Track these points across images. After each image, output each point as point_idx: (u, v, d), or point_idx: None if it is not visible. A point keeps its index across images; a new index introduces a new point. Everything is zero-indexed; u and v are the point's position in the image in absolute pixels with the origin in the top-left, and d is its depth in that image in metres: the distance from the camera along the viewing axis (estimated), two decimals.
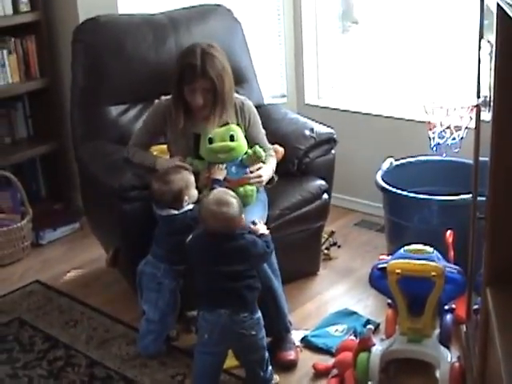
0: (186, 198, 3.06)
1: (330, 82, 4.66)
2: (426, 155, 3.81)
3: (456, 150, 3.31)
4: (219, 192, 2.88)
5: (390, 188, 3.56)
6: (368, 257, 3.89)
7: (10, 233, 4.09)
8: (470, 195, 2.89)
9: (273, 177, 3.39)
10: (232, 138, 3.19)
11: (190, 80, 3.14)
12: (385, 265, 2.90)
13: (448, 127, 3.28)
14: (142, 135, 3.38)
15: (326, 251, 3.97)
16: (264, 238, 2.86)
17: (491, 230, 2.25)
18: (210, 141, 3.18)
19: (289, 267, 3.31)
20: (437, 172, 3.78)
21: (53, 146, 4.50)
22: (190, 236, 2.88)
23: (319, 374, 3.01)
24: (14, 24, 4.22)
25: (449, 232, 3.21)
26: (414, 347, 2.90)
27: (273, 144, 3.48)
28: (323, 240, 3.93)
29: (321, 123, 3.80)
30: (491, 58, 2.30)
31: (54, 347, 3.29)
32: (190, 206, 3.08)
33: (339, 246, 4.05)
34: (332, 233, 4.07)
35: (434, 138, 3.33)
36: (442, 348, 2.87)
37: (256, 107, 3.48)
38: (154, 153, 3.46)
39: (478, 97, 2.72)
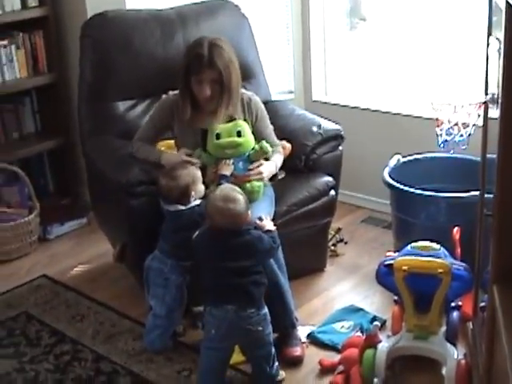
0: (193, 193, 3.07)
1: (338, 79, 4.66)
2: (433, 152, 3.80)
3: (463, 147, 3.30)
4: (226, 188, 2.88)
5: (397, 185, 3.56)
6: (375, 253, 3.89)
7: (18, 227, 4.10)
8: (478, 192, 2.88)
9: (276, 173, 3.38)
10: (239, 134, 3.19)
11: (197, 71, 3.14)
12: (392, 261, 2.90)
13: (456, 124, 3.27)
14: (147, 129, 3.38)
15: (332, 248, 3.97)
16: (270, 233, 2.86)
17: (499, 227, 2.25)
18: (218, 136, 3.18)
19: (295, 263, 3.31)
20: (444, 169, 3.78)
21: (60, 141, 4.51)
22: (197, 232, 2.88)
23: (325, 370, 3.01)
24: (22, 19, 4.23)
25: (456, 229, 3.20)
26: (420, 344, 2.90)
27: (280, 140, 3.48)
28: (330, 236, 3.93)
29: (328, 120, 3.79)
30: (499, 54, 2.30)
31: (61, 341, 3.30)
32: (198, 202, 3.08)
33: (346, 243, 4.05)
34: (339, 229, 4.07)
35: (441, 135, 3.32)
36: (449, 345, 2.87)
37: (263, 103, 3.48)
38: (162, 148, 3.47)
39: (486, 94, 2.71)
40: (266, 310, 2.83)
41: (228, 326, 2.75)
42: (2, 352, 3.25)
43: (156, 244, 3.15)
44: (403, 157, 3.85)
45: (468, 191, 3.32)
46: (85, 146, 3.71)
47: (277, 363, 2.93)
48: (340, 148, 3.73)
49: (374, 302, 3.49)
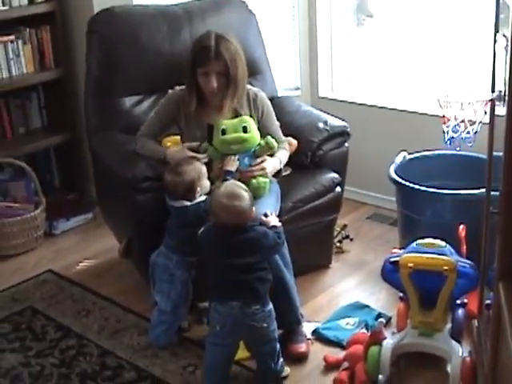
0: (199, 189, 3.07)
1: (344, 75, 4.65)
2: (439, 149, 3.80)
3: (470, 145, 3.30)
4: (230, 185, 2.88)
5: (403, 182, 3.56)
6: (380, 250, 3.89)
7: (24, 222, 4.11)
8: (484, 190, 2.88)
9: (281, 169, 3.38)
10: (245, 130, 3.19)
11: (203, 62, 3.14)
12: (397, 258, 2.90)
13: (462, 121, 3.27)
14: (153, 124, 3.37)
15: (338, 244, 3.97)
16: (275, 229, 2.86)
17: (505, 225, 2.24)
18: (223, 132, 3.19)
19: (301, 260, 3.31)
20: (450, 166, 3.77)
21: (67, 136, 4.52)
22: (202, 228, 2.88)
23: (330, 366, 3.02)
24: (29, 14, 4.23)
25: (461, 226, 3.20)
26: (425, 341, 2.90)
27: (286, 136, 3.48)
28: (336, 233, 3.93)
29: (334, 116, 3.79)
30: (506, 52, 2.30)
31: (66, 336, 3.31)
32: (203, 198, 3.08)
33: (351, 239, 4.05)
34: (344, 226, 4.07)
35: (447, 132, 3.32)
36: (454, 342, 2.87)
37: (270, 99, 3.48)
38: (168, 144, 3.47)
39: (493, 91, 2.71)
40: (270, 306, 2.83)
41: (233, 322, 2.76)
42: (7, 346, 3.26)
43: (162, 240, 3.15)
44: (409, 154, 3.84)
45: (474, 188, 3.32)
46: (91, 141, 3.72)
47: (282, 359, 2.93)
48: (346, 144, 3.72)
49: (380, 298, 3.49)
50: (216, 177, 3.18)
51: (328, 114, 3.81)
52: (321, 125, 3.69)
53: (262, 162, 3.22)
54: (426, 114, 4.08)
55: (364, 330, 3.15)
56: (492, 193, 2.75)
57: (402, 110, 4.25)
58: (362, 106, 4.43)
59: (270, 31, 4.37)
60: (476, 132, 3.26)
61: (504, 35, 2.47)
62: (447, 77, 4.03)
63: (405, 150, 3.85)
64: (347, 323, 3.28)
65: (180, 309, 3.16)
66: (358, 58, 4.58)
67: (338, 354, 3.07)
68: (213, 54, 3.12)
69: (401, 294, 3.13)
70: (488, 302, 2.72)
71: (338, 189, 3.62)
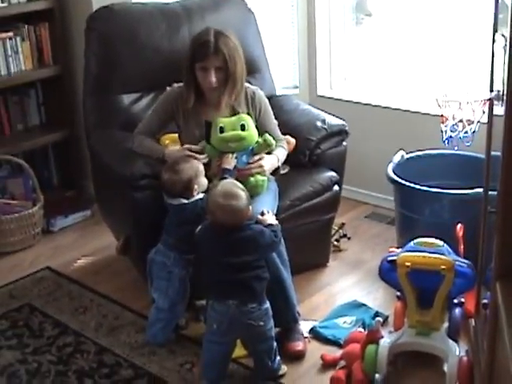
0: (196, 186, 3.07)
1: (343, 74, 4.66)
2: (437, 149, 3.80)
3: (468, 144, 3.30)
4: (227, 184, 2.88)
5: (401, 181, 3.56)
6: (378, 249, 3.89)
7: (22, 219, 4.11)
8: (482, 189, 2.88)
9: (278, 167, 3.38)
10: (243, 128, 3.19)
11: (202, 57, 3.14)
12: (395, 257, 2.90)
13: (460, 121, 3.27)
14: (151, 122, 3.36)
15: (335, 243, 3.97)
16: (272, 227, 2.86)
17: (502, 225, 2.24)
18: (221, 130, 3.18)
19: (298, 258, 3.31)
20: (448, 165, 3.77)
21: (65, 133, 4.52)
22: (199, 227, 2.88)
23: (327, 365, 3.02)
24: (27, 11, 4.24)
25: (459, 226, 3.20)
26: (422, 340, 2.91)
27: (284, 135, 3.48)
28: (333, 232, 3.94)
29: (333, 115, 3.79)
30: (505, 51, 2.29)
31: (64, 333, 3.31)
32: (201, 195, 3.08)
33: (349, 238, 4.05)
34: (342, 224, 4.07)
35: (446, 132, 3.32)
36: (451, 342, 2.87)
37: (268, 98, 3.48)
38: (166, 141, 3.47)
39: (491, 91, 2.71)
40: (267, 304, 2.83)
41: (230, 320, 2.76)
42: (5, 343, 3.26)
43: (159, 237, 3.15)
44: (407, 153, 3.84)
45: (472, 188, 3.32)
46: (89, 138, 3.72)
47: (278, 357, 2.94)
48: (344, 143, 3.73)
49: (377, 297, 3.50)
50: (214, 175, 3.18)
51: (326, 112, 3.81)
52: (319, 123, 3.69)
53: (260, 159, 3.22)
54: (424, 114, 4.09)
55: (361, 329, 3.15)
56: (490, 192, 2.75)
57: (400, 109, 4.25)
58: (361, 105, 4.43)
59: (268, 30, 4.37)
60: (474, 131, 3.26)
61: (503, 35, 2.47)
62: (446, 76, 4.04)
63: (403, 149, 3.85)
64: (344, 322, 3.28)
65: (177, 306, 3.17)
66: (356, 56, 4.58)
67: (335, 352, 3.07)
68: (212, 48, 3.12)
69: (398, 293, 3.13)
70: (485, 301, 2.73)
71: (336, 187, 3.63)
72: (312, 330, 3.23)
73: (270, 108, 3.42)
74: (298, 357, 3.07)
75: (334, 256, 3.89)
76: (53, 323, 3.39)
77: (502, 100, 2.32)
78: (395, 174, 3.63)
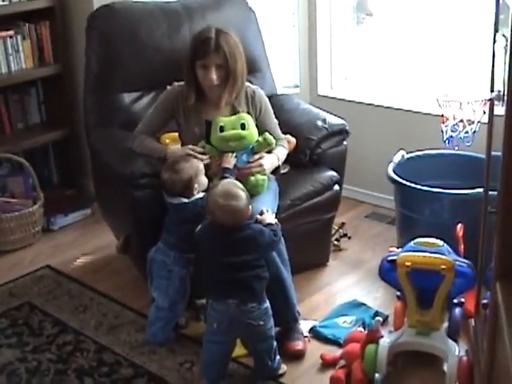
0: (196, 185, 3.07)
1: (343, 74, 4.66)
2: (438, 148, 3.80)
3: (468, 144, 3.30)
4: (227, 184, 2.87)
5: (402, 181, 3.56)
6: (378, 249, 3.89)
7: (22, 218, 4.11)
8: (482, 189, 2.88)
9: (279, 166, 3.38)
10: (243, 127, 3.19)
11: (203, 54, 3.13)
12: (395, 257, 2.90)
13: (461, 121, 3.28)
14: (151, 120, 3.36)
15: (336, 242, 3.97)
16: (271, 226, 2.85)
17: (502, 225, 2.24)
18: (221, 129, 3.18)
19: (299, 258, 3.31)
20: (448, 165, 3.77)
21: (65, 132, 4.52)
22: (199, 227, 2.88)
23: (327, 364, 3.02)
24: (28, 9, 4.23)
25: (459, 226, 3.20)
26: (422, 340, 2.91)
27: (285, 134, 3.48)
28: (333, 231, 3.94)
29: (333, 114, 3.79)
30: (506, 51, 2.29)
31: (64, 332, 3.31)
32: (201, 195, 3.08)
33: (349, 238, 4.05)
34: (342, 224, 4.07)
35: (446, 132, 3.33)
36: (450, 341, 2.87)
37: (269, 97, 3.48)
38: (166, 140, 3.47)
39: (492, 91, 2.71)
40: (267, 304, 2.83)
41: (229, 320, 2.76)
42: (4, 342, 3.26)
43: (160, 236, 3.15)
44: (408, 153, 3.84)
45: (472, 188, 3.32)
46: (90, 137, 3.72)
47: (278, 357, 2.94)
48: (345, 143, 3.73)
49: (377, 297, 3.50)
50: (214, 174, 3.18)
51: (327, 112, 3.81)
52: (320, 123, 3.69)
53: (260, 158, 3.22)
54: (424, 113, 4.09)
55: (361, 329, 3.15)
56: (490, 192, 2.75)
57: (400, 109, 4.25)
58: (361, 105, 4.43)
59: (269, 29, 4.37)
60: (475, 132, 3.26)
61: (503, 35, 2.47)
62: (446, 76, 4.03)
63: (403, 149, 3.85)
64: (344, 321, 3.28)
65: (177, 305, 3.17)
66: (357, 56, 4.58)
67: (334, 352, 3.07)
68: (213, 46, 3.12)
69: (398, 293, 3.13)
70: (485, 301, 2.73)
71: (337, 187, 3.63)
72: (312, 330, 3.23)
73: (270, 107, 3.42)
74: (298, 356, 3.07)
75: (334, 255, 3.89)
76: (53, 322, 3.39)
77: (503, 100, 2.31)
78: (395, 173, 3.63)
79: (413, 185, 3.50)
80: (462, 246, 3.15)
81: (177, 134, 3.42)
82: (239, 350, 2.97)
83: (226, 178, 3.02)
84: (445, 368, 2.85)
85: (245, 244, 2.77)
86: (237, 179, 3.02)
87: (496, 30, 2.62)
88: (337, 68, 4.64)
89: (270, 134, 3.28)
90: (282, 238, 2.98)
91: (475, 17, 3.87)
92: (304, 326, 3.21)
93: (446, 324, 2.97)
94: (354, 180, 4.30)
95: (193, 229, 2.90)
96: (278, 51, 4.56)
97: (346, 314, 3.33)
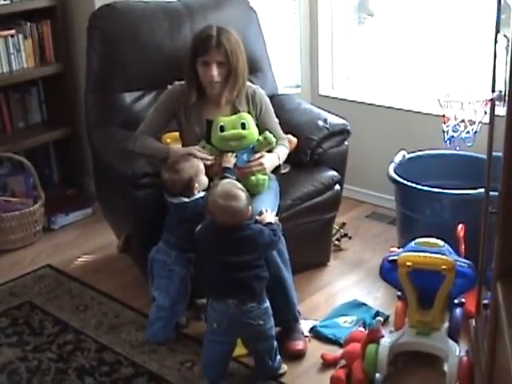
0: (197, 185, 3.07)
1: (345, 74, 4.66)
2: (439, 149, 3.80)
3: (469, 144, 3.30)
4: (227, 184, 2.87)
5: (403, 181, 3.56)
6: (379, 249, 3.89)
7: (22, 217, 4.11)
8: (483, 190, 2.88)
9: (279, 165, 3.38)
10: (243, 126, 3.19)
11: (204, 51, 3.14)
12: (395, 257, 2.90)
13: (462, 121, 3.27)
14: (153, 120, 3.35)
15: (336, 242, 3.97)
16: (271, 226, 2.85)
17: (503, 225, 2.24)
18: (222, 129, 3.19)
19: (299, 257, 3.31)
20: (449, 166, 3.77)
21: (66, 131, 4.52)
22: (199, 227, 2.88)
23: (327, 364, 3.02)
24: (29, 9, 4.23)
25: (460, 226, 3.20)
26: (422, 340, 2.91)
27: (286, 134, 3.48)
28: (334, 231, 3.94)
29: (334, 114, 3.79)
30: (507, 52, 2.29)
31: (64, 331, 3.31)
32: (201, 194, 3.08)
33: (350, 238, 4.05)
34: (343, 224, 4.07)
35: (447, 132, 3.32)
36: (451, 342, 2.88)
37: (270, 97, 3.48)
38: (167, 140, 3.47)
39: (493, 91, 2.71)
40: (267, 303, 2.83)
41: (229, 320, 2.76)
42: (5, 341, 3.26)
43: (160, 235, 3.15)
44: (409, 153, 3.84)
45: (473, 188, 3.32)
46: (91, 136, 3.72)
47: (279, 356, 2.94)
48: (346, 143, 3.72)
49: (378, 297, 3.50)
50: (214, 174, 3.18)
51: (328, 112, 3.81)
52: (321, 123, 3.69)
53: (261, 157, 3.22)
54: (426, 114, 4.08)
55: (362, 329, 3.15)
56: (491, 193, 2.75)
57: (401, 109, 4.25)
58: (362, 105, 4.42)
59: (270, 28, 4.37)
60: (476, 132, 3.26)
61: (505, 35, 2.47)
62: (448, 76, 4.03)
63: (404, 149, 3.85)
64: (345, 321, 3.28)
65: (178, 305, 3.17)
66: (358, 56, 4.58)
67: (335, 351, 3.07)
68: (214, 42, 3.12)
69: (399, 293, 3.13)
70: (486, 301, 2.73)
71: (337, 187, 3.62)
72: (312, 330, 3.23)
73: (270, 106, 3.42)
74: (299, 356, 3.07)
75: (335, 255, 3.89)
76: (53, 321, 3.39)
77: (504, 100, 2.32)
78: (396, 173, 3.63)
79: (414, 185, 3.50)
80: (463, 247, 3.15)
81: (178, 134, 3.42)
82: (240, 350, 2.97)
83: (226, 177, 3.02)
84: (445, 368, 2.85)
85: (244, 244, 2.77)
86: (237, 179, 3.02)
87: (497, 31, 2.62)
88: (338, 68, 4.64)
89: (271, 133, 3.28)
90: (283, 238, 2.98)
91: (476, 17, 3.87)
92: (304, 325, 3.21)
93: (446, 324, 2.97)
94: (354, 180, 4.30)
95: (193, 228, 2.90)
96: (280, 51, 4.56)
97: (347, 313, 3.33)
